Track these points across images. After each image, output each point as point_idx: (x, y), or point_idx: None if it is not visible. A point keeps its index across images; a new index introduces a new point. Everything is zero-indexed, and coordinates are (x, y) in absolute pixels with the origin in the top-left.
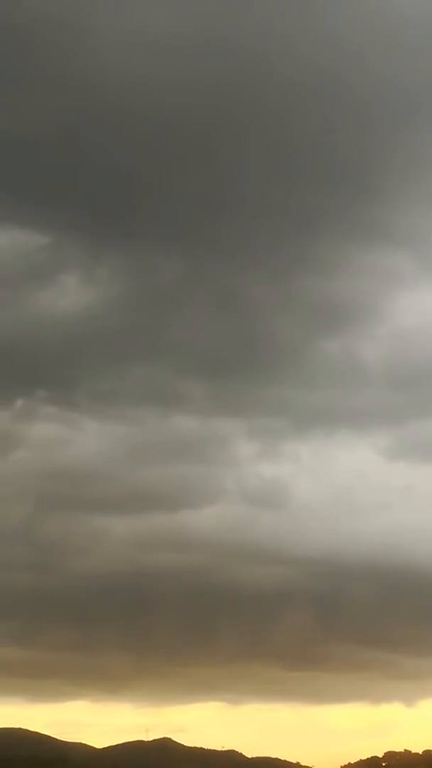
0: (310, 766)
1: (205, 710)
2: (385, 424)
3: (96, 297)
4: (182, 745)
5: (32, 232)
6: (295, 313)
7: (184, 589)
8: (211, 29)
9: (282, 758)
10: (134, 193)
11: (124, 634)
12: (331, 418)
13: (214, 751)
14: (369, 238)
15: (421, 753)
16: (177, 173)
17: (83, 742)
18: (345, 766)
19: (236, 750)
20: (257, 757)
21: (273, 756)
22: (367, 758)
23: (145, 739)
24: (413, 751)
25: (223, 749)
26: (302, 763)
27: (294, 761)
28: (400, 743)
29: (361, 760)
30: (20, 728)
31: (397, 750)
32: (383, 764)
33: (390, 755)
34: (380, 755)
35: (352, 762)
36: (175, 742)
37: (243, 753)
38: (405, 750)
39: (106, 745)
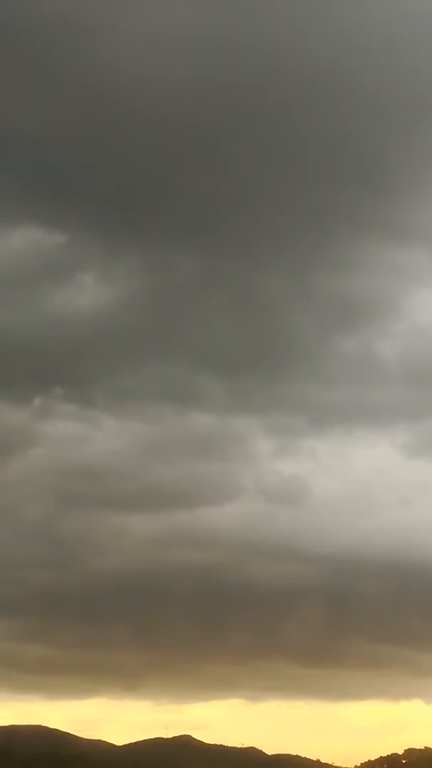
0: (330, 763)
1: (224, 707)
2: (403, 420)
3: (113, 295)
4: (202, 742)
5: (49, 230)
6: (313, 310)
7: (203, 586)
8: (222, 28)
9: (302, 755)
10: (151, 191)
11: (142, 632)
12: (348, 415)
13: (234, 748)
14: (386, 235)
15: None
16: (193, 171)
17: (103, 739)
18: (365, 763)
19: (256, 747)
20: (277, 755)
21: (293, 753)
22: (387, 755)
23: (165, 737)
24: None
25: (243, 746)
26: (322, 760)
27: (314, 758)
28: (420, 740)
29: (381, 757)
30: (40, 725)
31: (418, 747)
32: (403, 761)
33: (410, 752)
34: (400, 752)
35: (372, 759)
36: (195, 739)
37: (263, 750)
38: (425, 747)
39: (125, 743)
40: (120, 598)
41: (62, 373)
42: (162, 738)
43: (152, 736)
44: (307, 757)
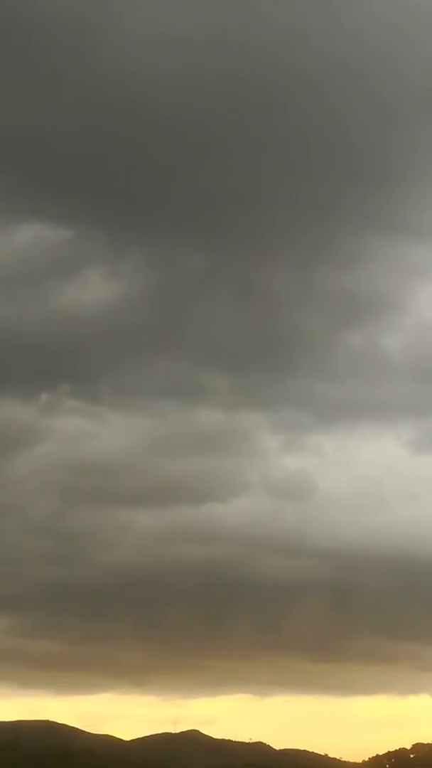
0: (338, 757)
1: (232, 702)
2: (410, 416)
3: (119, 291)
4: (209, 737)
5: (55, 226)
6: (318, 306)
7: (209, 581)
8: (226, 25)
9: (309, 750)
10: (157, 187)
11: (149, 627)
12: (355, 410)
13: (241, 743)
14: (392, 230)
15: None
16: (199, 167)
17: (111, 734)
18: (373, 757)
19: (264, 742)
20: (285, 749)
21: (301, 748)
22: (395, 750)
23: (173, 731)
24: None
25: (251, 741)
26: (330, 755)
27: (322, 753)
28: (427, 735)
29: (389, 751)
30: (47, 720)
31: (425, 742)
32: (411, 756)
33: (418, 747)
34: (408, 747)
35: (380, 754)
36: (203, 734)
37: (271, 745)
38: None
39: (133, 737)
40: (127, 594)
41: (68, 369)
42: (170, 733)
43: (160, 731)
44: (315, 751)
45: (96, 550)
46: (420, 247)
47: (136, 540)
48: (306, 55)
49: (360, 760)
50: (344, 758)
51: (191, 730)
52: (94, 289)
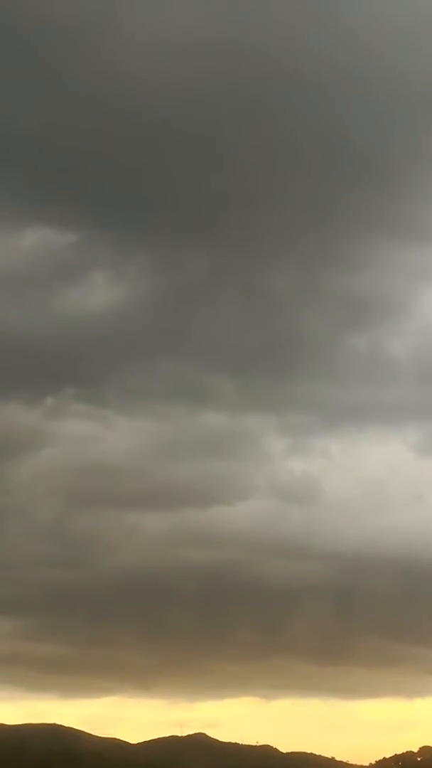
0: (345, 761)
1: (239, 705)
2: (415, 419)
3: (125, 294)
4: (216, 740)
5: (60, 230)
6: (324, 309)
7: (215, 584)
8: (227, 27)
9: (316, 753)
10: (161, 191)
11: (155, 630)
12: (360, 413)
13: (248, 746)
14: (396, 233)
15: None
16: (203, 170)
17: (118, 737)
18: (380, 761)
19: (270, 745)
20: (292, 752)
21: (307, 751)
22: (402, 753)
23: (180, 735)
24: None
25: (258, 744)
26: (337, 758)
27: (329, 756)
28: None
29: (396, 754)
30: (54, 724)
31: None
32: (418, 759)
33: (425, 750)
34: (415, 750)
35: (387, 757)
36: (209, 737)
37: (278, 748)
38: None
39: (140, 741)
40: (133, 597)
41: (74, 373)
42: (176, 736)
43: (166, 734)
44: (322, 755)
45: (102, 554)
46: (425, 250)
47: (141, 543)
48: (306, 58)
49: (367, 763)
50: (351, 761)
51: (197, 734)
52: (99, 293)
